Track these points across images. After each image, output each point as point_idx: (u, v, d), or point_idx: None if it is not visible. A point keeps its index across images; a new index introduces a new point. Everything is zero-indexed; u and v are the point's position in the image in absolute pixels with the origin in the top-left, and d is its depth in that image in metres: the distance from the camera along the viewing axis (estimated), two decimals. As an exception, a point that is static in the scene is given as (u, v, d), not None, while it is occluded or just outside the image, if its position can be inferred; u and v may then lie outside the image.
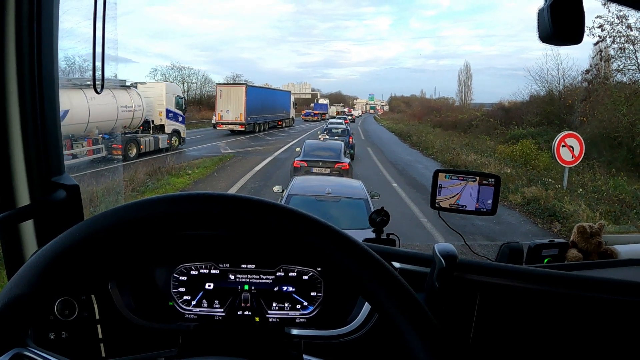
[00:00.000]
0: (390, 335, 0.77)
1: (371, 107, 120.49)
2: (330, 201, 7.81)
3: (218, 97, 36.68)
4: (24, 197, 1.45)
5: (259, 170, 18.05)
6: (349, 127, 29.40)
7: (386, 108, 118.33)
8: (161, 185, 14.86)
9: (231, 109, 35.56)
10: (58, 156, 1.52)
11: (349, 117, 63.36)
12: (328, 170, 13.88)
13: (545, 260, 2.13)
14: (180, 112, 24.59)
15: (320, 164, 14.13)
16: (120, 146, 19.55)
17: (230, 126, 35.54)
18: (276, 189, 9.31)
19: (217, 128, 35.91)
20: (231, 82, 45.48)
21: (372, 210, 5.75)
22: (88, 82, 16.25)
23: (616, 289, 1.47)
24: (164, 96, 23.44)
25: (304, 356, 1.36)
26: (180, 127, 24.61)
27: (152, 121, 22.73)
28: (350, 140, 23.27)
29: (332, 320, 1.54)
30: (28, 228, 1.49)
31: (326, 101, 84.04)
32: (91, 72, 1.52)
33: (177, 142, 24.09)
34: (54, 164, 1.50)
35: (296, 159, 14.65)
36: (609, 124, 19.41)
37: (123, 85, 20.70)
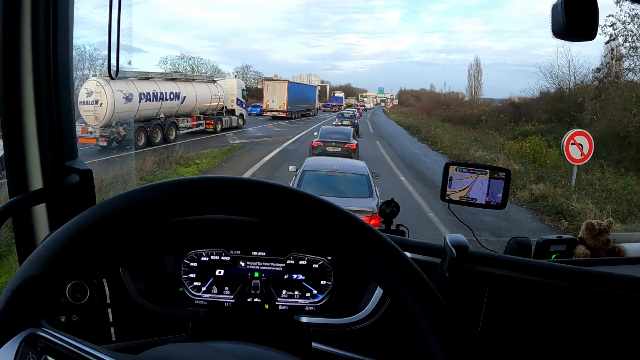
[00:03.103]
0: (399, 325, 0.78)
1: (381, 100, 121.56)
2: (337, 176, 9.29)
3: (265, 90, 46.79)
4: (37, 181, 1.46)
5: (267, 162, 18.08)
6: (357, 114, 37.89)
7: (395, 101, 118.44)
8: (169, 175, 14.89)
9: (276, 100, 45.36)
10: (72, 140, 1.53)
11: (362, 108, 78.32)
12: (339, 149, 17.22)
13: (553, 256, 2.13)
14: (244, 101, 33.00)
15: (333, 144, 17.50)
16: (212, 122, 27.60)
17: (274, 113, 45.15)
18: (291, 168, 10.77)
19: (264, 114, 45.35)
20: (275, 79, 55.32)
21: (373, 184, 7.38)
22: (193, 76, 28.85)
23: (624, 284, 1.47)
24: (235, 88, 31.48)
25: (313, 344, 1.38)
26: (244, 112, 33.34)
27: (226, 107, 29.87)
28: (356, 121, 32.67)
29: (342, 309, 1.54)
30: (40, 212, 1.51)
31: (342, 94, 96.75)
32: (101, 61, 1.56)
33: (242, 122, 31.97)
34: (67, 148, 1.51)
35: (314, 140, 18.07)
36: (619, 123, 19.23)
37: (211, 80, 29.52)
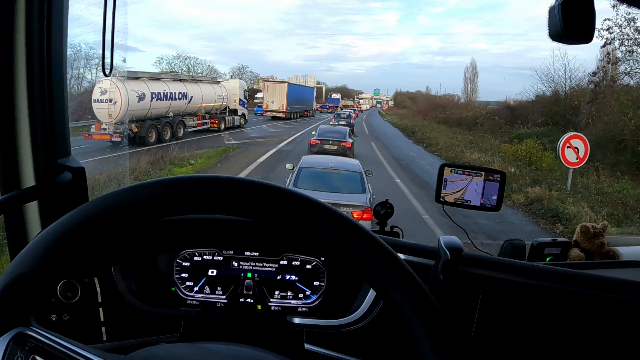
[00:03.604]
0: (392, 327, 0.77)
1: (377, 102, 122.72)
2: (332, 173, 9.68)
3: (265, 91, 48.37)
4: (29, 179, 1.45)
5: (262, 162, 18.10)
6: (353, 115, 40.93)
7: (391, 103, 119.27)
8: (163, 175, 14.80)
9: (275, 100, 46.86)
10: (64, 138, 1.52)
11: (358, 109, 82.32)
12: (335, 147, 18.33)
13: (548, 259, 2.13)
14: (245, 101, 34.28)
15: (330, 142, 18.59)
16: (216, 121, 28.81)
17: (274, 113, 46.82)
18: (288, 166, 11.05)
19: (263, 115, 47.02)
20: (274, 80, 57.87)
21: (365, 181, 8.04)
22: (198, 77, 30.83)
23: (618, 288, 1.47)
24: (238, 89, 32.74)
25: (306, 345, 1.37)
26: (245, 112, 34.39)
27: (229, 106, 31.24)
28: (352, 121, 35.35)
29: (335, 310, 1.53)
30: (32, 209, 1.50)
31: (338, 96, 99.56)
32: (96, 60, 1.57)
33: (243, 122, 33.38)
34: (60, 146, 1.50)
35: (312, 138, 19.21)
36: (615, 127, 19.30)
37: (215, 81, 30.86)
